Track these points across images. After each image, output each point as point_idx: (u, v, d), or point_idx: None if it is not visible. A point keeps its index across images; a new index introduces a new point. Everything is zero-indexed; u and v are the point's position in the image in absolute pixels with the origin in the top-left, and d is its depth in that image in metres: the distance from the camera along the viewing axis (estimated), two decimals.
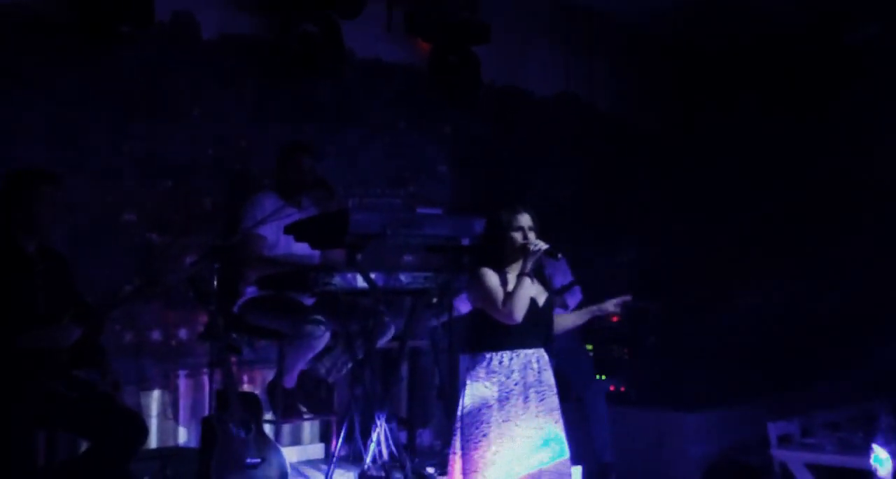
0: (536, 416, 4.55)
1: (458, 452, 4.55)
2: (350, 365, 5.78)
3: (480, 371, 4.57)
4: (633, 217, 8.53)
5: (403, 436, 6.14)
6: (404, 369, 6.64)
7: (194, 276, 5.12)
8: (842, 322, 8.01)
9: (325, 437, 6.52)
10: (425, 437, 6.92)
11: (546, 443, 4.54)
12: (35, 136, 5.43)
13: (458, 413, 4.60)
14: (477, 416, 4.52)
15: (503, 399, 4.52)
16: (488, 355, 4.59)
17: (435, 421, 6.78)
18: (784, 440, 6.52)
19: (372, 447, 5.24)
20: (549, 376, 4.66)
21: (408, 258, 6.98)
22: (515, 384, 4.55)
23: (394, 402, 6.27)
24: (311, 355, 5.73)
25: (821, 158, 8.60)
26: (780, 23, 8.64)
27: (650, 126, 9.35)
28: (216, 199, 6.21)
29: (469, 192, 7.82)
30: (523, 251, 4.61)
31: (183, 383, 6.04)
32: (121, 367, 5.59)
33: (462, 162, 7.82)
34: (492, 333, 4.60)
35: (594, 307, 4.92)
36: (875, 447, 5.84)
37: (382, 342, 5.80)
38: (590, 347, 7.66)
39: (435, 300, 5.62)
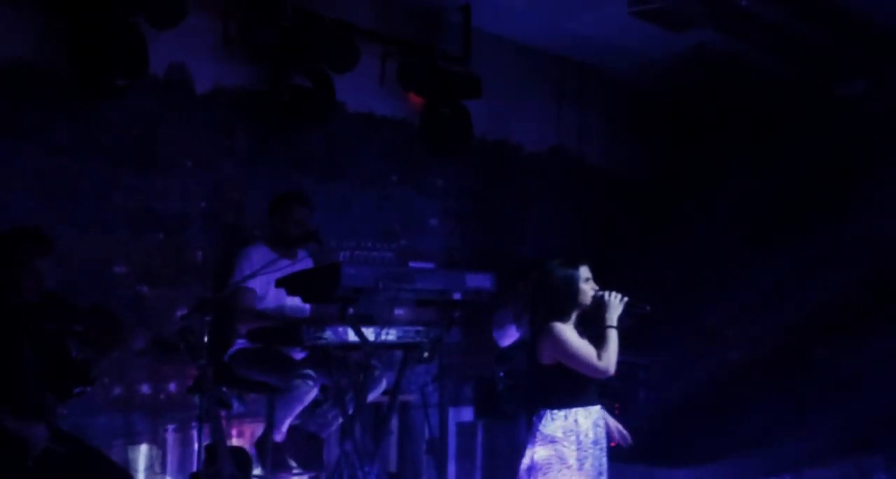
0: (601, 473, 4.53)
1: None
2: (340, 420, 5.74)
3: (557, 430, 4.45)
4: (622, 269, 8.53)
5: None
6: (394, 423, 6.60)
7: (184, 329, 5.09)
8: (832, 378, 8.01)
9: None
10: None
11: None
12: (27, 187, 5.41)
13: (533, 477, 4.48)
14: (557, 477, 4.42)
15: (582, 459, 4.45)
16: (563, 413, 4.48)
17: (425, 476, 6.72)
18: None
19: None
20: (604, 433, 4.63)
21: (399, 312, 6.96)
22: (592, 443, 4.49)
23: (383, 457, 6.22)
24: (300, 409, 5.69)
25: (810, 210, 8.67)
26: (770, 77, 8.73)
27: (640, 179, 9.40)
28: (208, 251, 6.19)
29: (460, 245, 7.82)
30: (599, 303, 4.56)
31: (171, 438, 5.97)
32: (109, 421, 5.56)
33: (453, 215, 7.84)
34: (568, 389, 4.50)
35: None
36: None
37: (374, 396, 5.77)
38: None
39: (426, 355, 5.60)
